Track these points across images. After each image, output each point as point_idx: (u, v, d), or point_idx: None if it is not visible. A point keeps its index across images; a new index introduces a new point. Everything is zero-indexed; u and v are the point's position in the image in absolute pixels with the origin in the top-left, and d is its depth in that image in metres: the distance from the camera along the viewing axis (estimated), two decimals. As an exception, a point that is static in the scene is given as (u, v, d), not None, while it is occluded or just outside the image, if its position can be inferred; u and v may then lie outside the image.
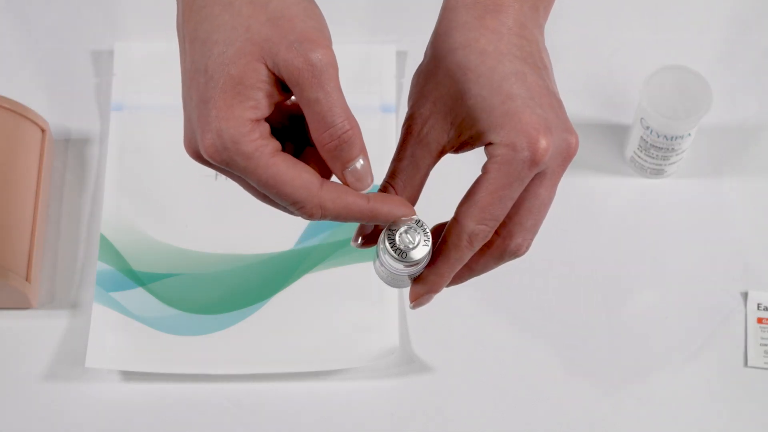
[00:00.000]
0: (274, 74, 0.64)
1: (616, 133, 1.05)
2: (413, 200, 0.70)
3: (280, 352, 0.95)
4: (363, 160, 0.66)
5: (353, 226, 0.71)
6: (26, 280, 0.95)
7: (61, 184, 1.02)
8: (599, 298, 0.98)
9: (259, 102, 0.64)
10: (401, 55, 1.08)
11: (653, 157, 1.00)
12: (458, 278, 0.71)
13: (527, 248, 0.70)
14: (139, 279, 0.98)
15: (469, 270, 0.71)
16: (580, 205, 1.02)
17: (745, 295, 0.98)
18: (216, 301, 0.97)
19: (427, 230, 0.68)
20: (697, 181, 1.03)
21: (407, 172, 0.69)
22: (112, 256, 0.98)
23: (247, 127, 0.63)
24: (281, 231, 1.00)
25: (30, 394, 0.94)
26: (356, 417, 0.94)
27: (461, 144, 0.68)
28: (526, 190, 0.68)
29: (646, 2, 1.10)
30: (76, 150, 1.04)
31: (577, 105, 1.05)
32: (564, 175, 1.05)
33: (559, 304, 0.98)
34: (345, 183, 0.66)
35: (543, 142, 0.66)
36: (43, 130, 1.01)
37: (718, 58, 1.08)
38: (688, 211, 1.02)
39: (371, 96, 1.05)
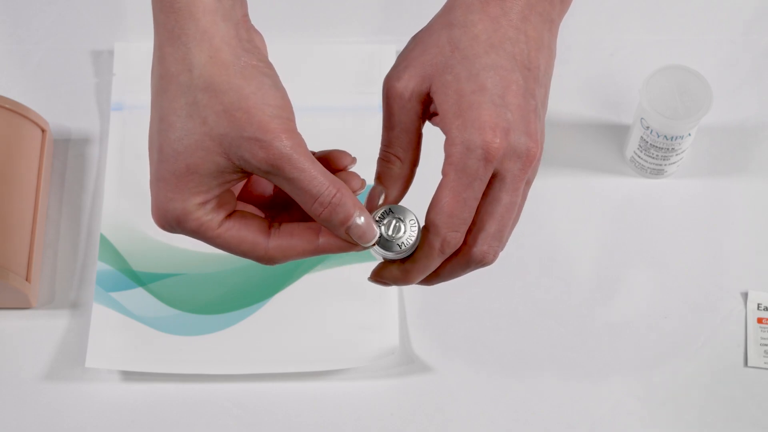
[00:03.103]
0: (234, 163, 0.65)
1: (616, 133, 1.05)
2: (415, 162, 0.71)
3: (280, 352, 0.95)
4: (361, 216, 0.67)
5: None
6: (26, 280, 0.95)
7: (61, 184, 1.02)
8: (599, 298, 0.98)
9: (211, 188, 0.66)
10: (401, 55, 1.08)
11: (653, 157, 1.00)
12: (427, 281, 0.72)
13: (494, 256, 0.70)
14: (139, 279, 0.98)
15: (437, 276, 0.71)
16: (579, 205, 1.02)
17: (745, 295, 0.98)
18: (216, 301, 0.97)
19: (414, 222, 0.68)
20: (697, 181, 1.03)
21: (402, 139, 0.70)
22: (112, 256, 0.98)
23: (192, 208, 0.66)
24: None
25: (30, 394, 0.94)
26: (356, 417, 0.94)
27: (432, 114, 0.69)
28: (487, 194, 0.68)
29: (646, 2, 1.10)
30: (76, 150, 1.04)
31: (577, 105, 1.05)
32: (564, 174, 1.05)
33: (559, 303, 0.98)
34: (350, 243, 0.68)
35: (496, 141, 0.66)
36: (43, 130, 1.01)
37: (718, 58, 1.08)
38: (688, 211, 1.02)
39: (371, 96, 1.05)
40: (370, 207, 0.71)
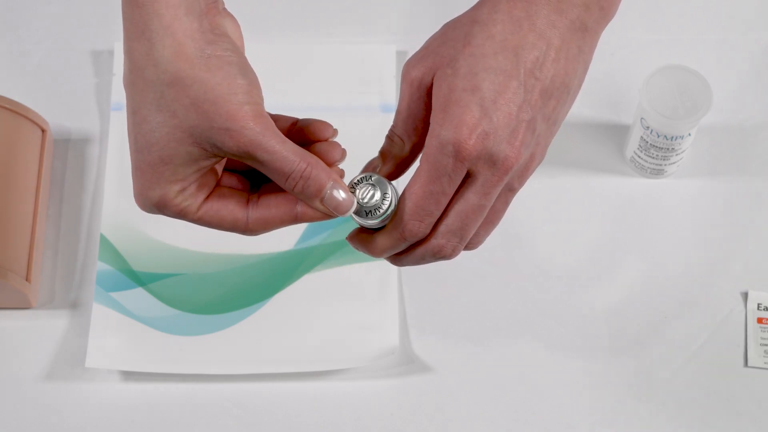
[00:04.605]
0: (207, 151, 0.67)
1: (616, 133, 1.05)
2: (418, 147, 0.72)
3: (280, 352, 0.95)
4: (336, 188, 0.68)
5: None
6: (26, 280, 0.95)
7: (61, 184, 1.02)
8: (599, 298, 0.98)
9: (187, 176, 0.67)
10: (401, 55, 1.08)
11: (653, 157, 1.00)
12: (392, 261, 0.74)
13: (452, 251, 0.71)
14: (139, 279, 0.98)
15: (400, 258, 0.73)
16: (580, 205, 1.02)
17: (745, 295, 0.98)
18: (216, 301, 0.97)
19: (388, 196, 0.70)
20: (697, 181, 1.03)
21: (407, 123, 0.71)
22: (112, 256, 0.98)
23: (171, 195, 0.68)
24: (281, 231, 0.99)
25: (30, 394, 0.94)
26: (356, 417, 0.94)
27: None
28: (458, 191, 0.69)
29: (646, 2, 1.10)
30: (76, 150, 1.04)
31: (577, 105, 1.05)
32: (564, 174, 1.05)
33: (559, 303, 0.98)
34: (328, 213, 0.69)
35: (470, 142, 0.67)
36: (43, 130, 1.01)
37: (718, 58, 1.08)
38: (688, 211, 1.02)
39: (371, 96, 1.05)
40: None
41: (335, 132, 0.72)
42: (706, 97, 0.96)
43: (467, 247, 0.73)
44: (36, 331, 0.97)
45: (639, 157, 1.01)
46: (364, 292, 0.97)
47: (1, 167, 0.95)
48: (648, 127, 0.98)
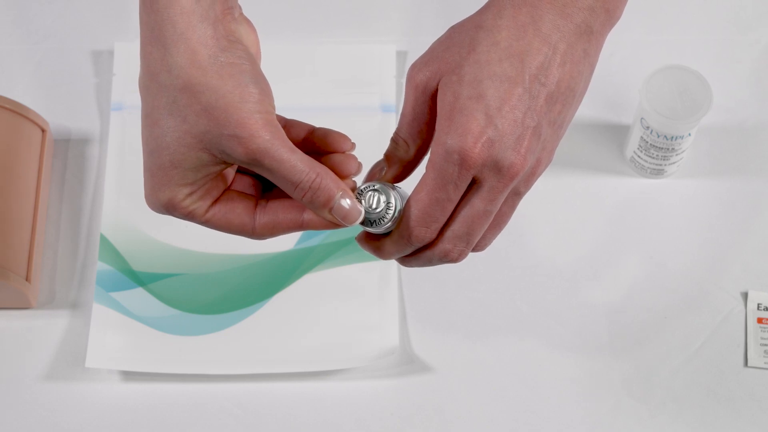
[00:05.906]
0: (216, 157, 0.67)
1: (616, 133, 1.05)
2: (423, 151, 0.72)
3: (280, 352, 0.95)
4: (344, 198, 0.69)
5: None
6: (26, 280, 0.95)
7: (61, 184, 1.02)
8: (599, 298, 0.98)
9: (196, 180, 0.68)
10: (401, 55, 1.08)
11: (653, 157, 1.00)
12: (401, 263, 0.74)
13: (459, 255, 0.72)
14: (139, 279, 0.98)
15: (409, 260, 0.74)
16: (580, 205, 1.02)
17: (745, 295, 0.98)
18: (216, 301, 0.97)
19: (392, 204, 0.70)
20: (697, 181, 1.03)
21: (412, 127, 0.72)
22: (112, 256, 0.98)
23: (179, 198, 0.68)
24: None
25: (30, 394, 0.94)
26: (356, 417, 0.94)
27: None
28: (464, 197, 0.69)
29: (646, 2, 1.10)
30: (76, 150, 1.04)
31: (577, 105, 1.05)
32: (564, 174, 1.05)
33: (559, 303, 0.98)
34: (335, 223, 0.70)
35: (476, 150, 0.67)
36: (43, 130, 1.01)
37: (718, 58, 1.08)
38: (688, 211, 1.02)
39: (371, 96, 1.05)
40: (369, 180, 0.73)
41: (353, 146, 0.72)
42: (706, 97, 0.96)
43: (474, 250, 0.73)
44: (36, 331, 0.97)
45: (639, 157, 1.01)
46: (364, 292, 0.97)
47: (1, 167, 0.95)
48: (648, 127, 0.98)
